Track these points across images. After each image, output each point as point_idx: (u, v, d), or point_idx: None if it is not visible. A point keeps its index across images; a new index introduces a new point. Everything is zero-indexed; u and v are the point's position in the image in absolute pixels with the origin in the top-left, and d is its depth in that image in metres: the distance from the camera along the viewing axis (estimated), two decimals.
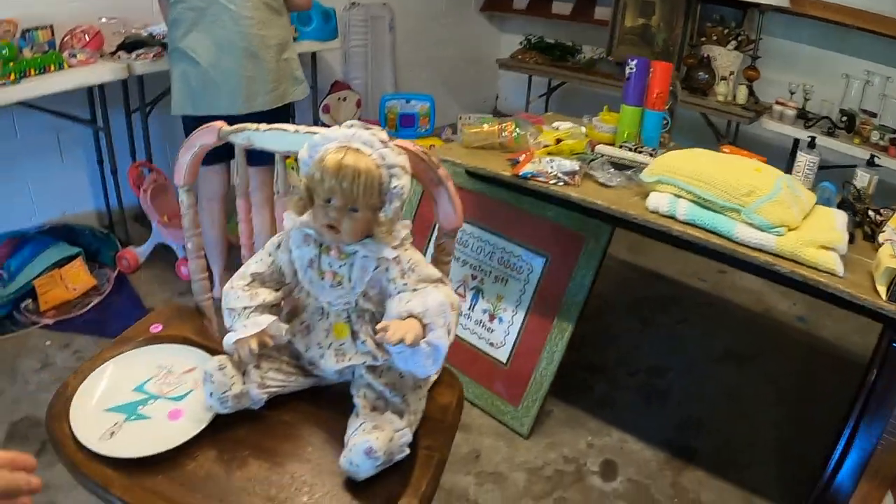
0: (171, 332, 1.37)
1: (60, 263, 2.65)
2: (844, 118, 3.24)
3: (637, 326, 2.80)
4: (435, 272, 1.09)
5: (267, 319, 1.10)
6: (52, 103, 2.69)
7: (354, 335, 1.14)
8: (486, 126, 2.12)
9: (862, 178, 2.13)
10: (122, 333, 1.38)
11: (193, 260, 1.42)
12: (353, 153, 1.01)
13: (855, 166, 2.28)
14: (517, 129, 2.08)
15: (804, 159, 2.19)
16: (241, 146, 1.33)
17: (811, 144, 2.23)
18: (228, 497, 1.02)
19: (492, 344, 2.28)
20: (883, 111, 3.24)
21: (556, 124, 2.32)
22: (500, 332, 2.26)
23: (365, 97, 4.08)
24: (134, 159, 3.02)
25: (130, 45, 2.75)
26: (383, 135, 1.05)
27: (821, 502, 1.82)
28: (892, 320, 1.58)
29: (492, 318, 2.29)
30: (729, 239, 1.67)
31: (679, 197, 1.75)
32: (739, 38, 3.57)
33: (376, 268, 1.08)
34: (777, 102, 3.43)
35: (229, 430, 1.13)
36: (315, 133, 1.11)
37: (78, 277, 2.66)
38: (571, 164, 1.89)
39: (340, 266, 1.08)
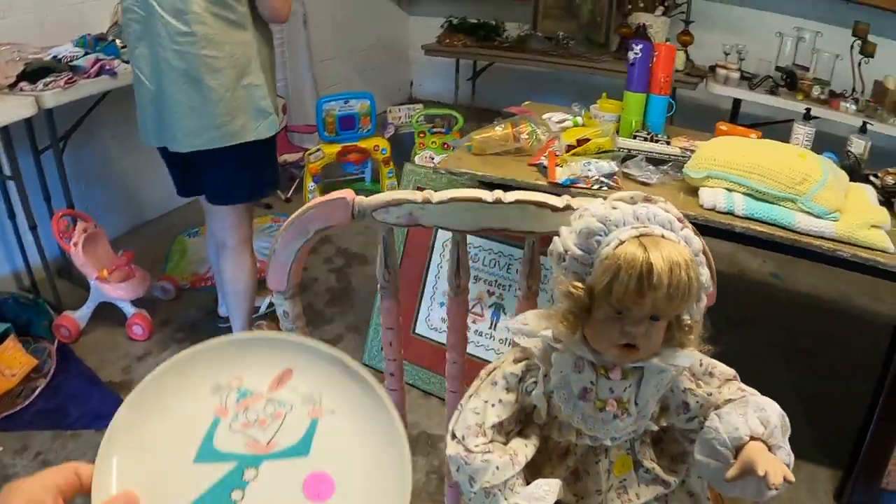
0: None
1: None
2: (785, 76, 3.50)
3: None
4: (725, 367, 0.92)
5: (552, 490, 0.85)
6: None
7: (636, 464, 0.94)
8: (497, 129, 2.11)
9: (857, 145, 2.33)
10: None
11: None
12: (659, 246, 0.76)
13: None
14: (535, 130, 2.08)
15: (802, 131, 2.36)
16: (391, 225, 0.99)
17: (807, 116, 2.40)
18: None
19: None
20: (816, 66, 3.53)
21: (546, 116, 2.34)
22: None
23: (288, 100, 3.93)
24: (51, 207, 2.73)
25: (33, 73, 2.48)
26: (672, 207, 0.83)
27: (868, 459, 2.01)
28: None
29: None
30: (791, 230, 1.78)
31: (732, 191, 1.84)
32: (666, 3, 3.75)
33: (669, 379, 0.87)
34: (718, 65, 3.64)
35: None
36: (571, 208, 0.89)
37: (14, 360, 2.38)
38: (609, 165, 1.93)
39: (625, 389, 0.85)
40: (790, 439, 0.83)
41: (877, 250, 1.75)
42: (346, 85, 4.20)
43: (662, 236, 0.77)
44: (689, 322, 0.83)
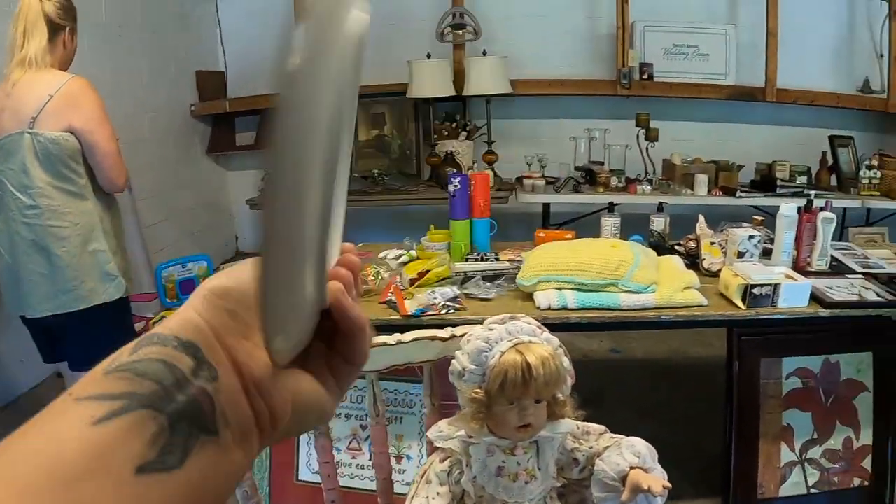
0: None
1: None
2: (585, 174, 4.05)
3: None
4: (596, 425, 1.25)
5: None
6: None
7: None
8: None
9: (658, 223, 2.80)
10: None
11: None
12: (530, 349, 1.09)
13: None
14: (378, 271, 2.35)
15: (609, 222, 2.80)
16: None
17: (610, 209, 2.85)
18: None
19: (408, 484, 2.45)
20: (610, 159, 4.13)
21: (383, 254, 2.64)
22: (412, 468, 2.46)
23: None
24: None
25: None
26: (532, 319, 1.17)
27: (739, 477, 2.42)
28: (745, 321, 2.27)
29: (398, 459, 2.48)
30: (618, 309, 2.14)
31: (561, 290, 2.19)
32: (467, 129, 4.26)
33: (559, 444, 1.19)
34: (524, 176, 4.16)
35: None
36: (456, 336, 1.20)
37: None
38: (452, 290, 2.22)
39: (528, 460, 1.17)
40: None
41: (693, 306, 2.16)
42: (177, 248, 4.32)
43: (531, 342, 1.11)
44: (562, 399, 1.17)
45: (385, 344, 1.24)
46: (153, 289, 3.85)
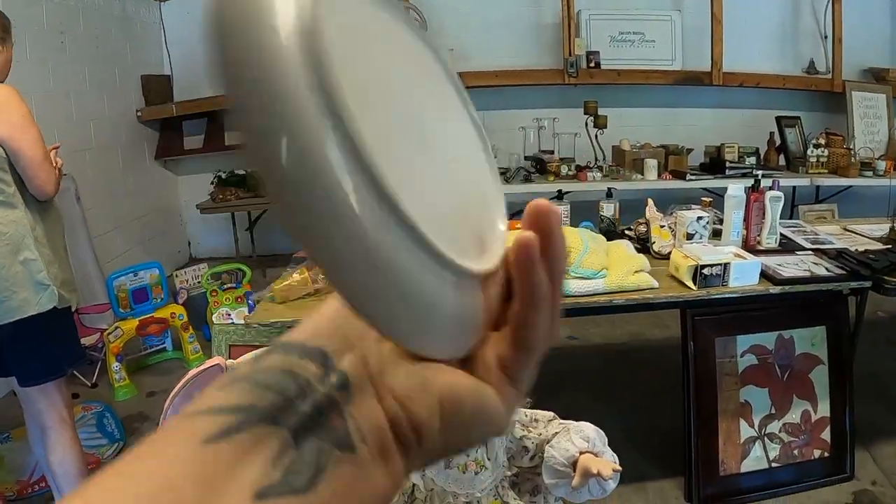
0: None
1: None
2: (535, 163, 4.06)
3: None
4: (543, 412, 1.26)
5: None
6: None
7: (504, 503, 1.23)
8: (295, 276, 2.32)
9: (608, 209, 2.81)
10: None
11: None
12: None
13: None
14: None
15: (559, 209, 2.79)
16: None
17: (559, 197, 2.85)
18: None
19: None
20: (559, 148, 4.14)
21: None
22: None
23: None
24: None
25: None
26: None
27: (700, 456, 2.45)
28: (698, 301, 2.29)
29: None
30: (570, 296, 2.14)
31: None
32: None
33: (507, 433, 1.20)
34: None
35: None
36: None
37: None
38: None
39: (477, 450, 1.18)
40: (629, 461, 1.14)
41: (645, 289, 2.16)
42: (128, 256, 4.25)
43: None
44: None
45: None
46: (107, 298, 3.77)
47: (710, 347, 2.46)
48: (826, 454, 2.59)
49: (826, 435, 2.59)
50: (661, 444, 2.76)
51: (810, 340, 2.59)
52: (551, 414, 1.25)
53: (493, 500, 1.21)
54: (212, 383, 0.32)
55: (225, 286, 3.94)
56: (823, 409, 2.59)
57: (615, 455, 1.16)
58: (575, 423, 1.20)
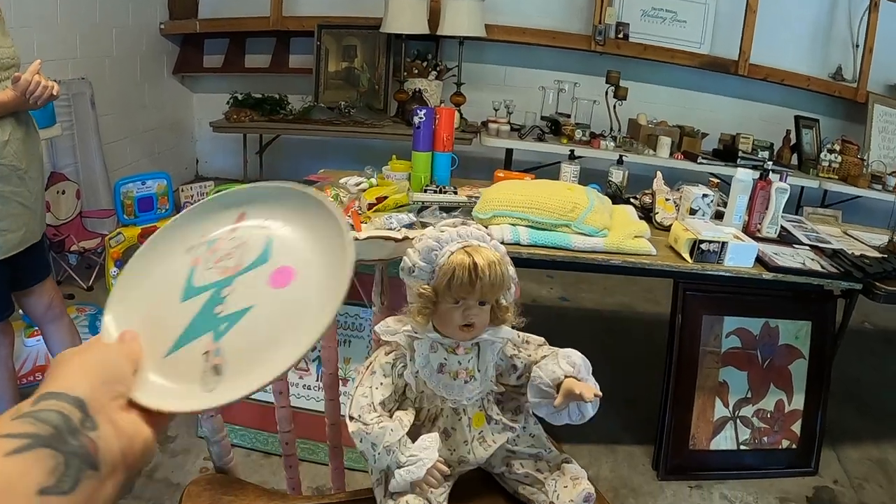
0: None
1: None
2: (550, 124, 4.06)
3: None
4: (536, 336, 1.29)
5: (433, 441, 1.16)
6: None
7: (488, 418, 1.27)
8: None
9: (617, 175, 2.83)
10: None
11: (209, 419, 1.29)
12: (479, 252, 1.12)
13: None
14: (338, 194, 2.35)
15: (569, 169, 2.82)
16: None
17: (571, 156, 2.87)
18: None
19: None
20: (577, 112, 4.14)
21: (343, 181, 2.62)
22: None
23: (80, 186, 3.90)
24: None
25: None
26: (483, 227, 1.20)
27: (673, 427, 2.51)
28: (691, 275, 2.30)
29: (344, 381, 2.50)
30: (569, 249, 2.17)
31: (516, 225, 2.21)
32: (438, 69, 4.24)
33: (499, 350, 1.23)
34: (490, 121, 4.16)
35: None
36: (409, 238, 1.23)
37: None
38: (408, 217, 2.23)
39: (469, 360, 1.21)
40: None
41: (642, 255, 2.20)
42: (136, 167, 4.27)
43: (479, 245, 1.15)
44: (505, 304, 1.20)
45: None
46: (111, 205, 3.79)
47: (698, 323, 2.50)
48: (794, 446, 2.64)
49: (797, 427, 2.64)
50: (637, 413, 2.83)
51: (795, 333, 2.63)
52: (542, 339, 1.30)
53: (478, 411, 1.26)
54: (3, 414, 0.51)
55: None
56: (798, 401, 2.64)
57: (597, 383, 1.19)
58: (563, 349, 1.24)
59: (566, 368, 1.17)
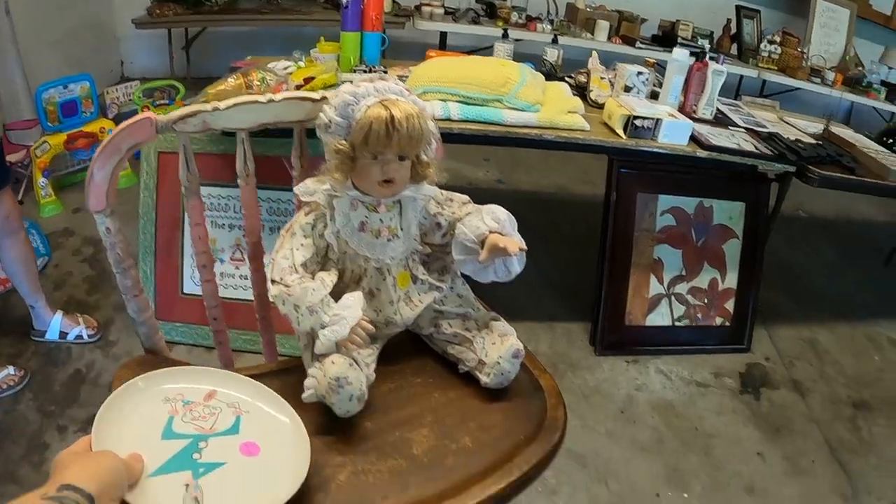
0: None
1: None
2: (485, 6, 3.99)
3: None
4: (460, 194, 1.26)
5: (357, 300, 1.13)
6: None
7: (414, 278, 1.25)
8: (230, 80, 2.24)
9: (551, 54, 2.79)
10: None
11: (132, 299, 1.25)
12: (396, 105, 1.08)
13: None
14: (265, 76, 2.26)
15: (503, 48, 2.77)
16: (190, 134, 1.20)
17: (504, 35, 2.81)
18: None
19: None
20: None
21: (271, 65, 2.53)
22: None
23: (0, 98, 3.70)
24: None
25: None
26: (399, 81, 1.15)
27: (609, 303, 2.56)
28: (625, 151, 2.32)
29: None
30: (501, 124, 2.14)
31: (446, 101, 2.16)
32: None
33: (422, 207, 1.20)
34: (423, 4, 4.07)
35: (346, 429, 1.13)
36: (326, 99, 1.17)
37: None
38: None
39: (391, 218, 1.18)
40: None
41: (576, 130, 2.18)
42: (58, 73, 4.03)
43: (398, 99, 1.10)
44: (426, 160, 1.17)
45: (256, 102, 1.20)
46: (34, 115, 3.59)
47: (632, 201, 2.51)
48: (727, 323, 2.72)
49: (730, 305, 2.71)
50: (573, 291, 2.88)
51: (729, 214, 2.67)
52: (466, 197, 1.27)
53: (402, 271, 1.24)
54: (33, 493, 0.71)
55: (157, 103, 3.83)
56: (731, 280, 2.70)
57: (522, 239, 1.19)
58: (487, 206, 1.23)
59: (490, 224, 1.17)
